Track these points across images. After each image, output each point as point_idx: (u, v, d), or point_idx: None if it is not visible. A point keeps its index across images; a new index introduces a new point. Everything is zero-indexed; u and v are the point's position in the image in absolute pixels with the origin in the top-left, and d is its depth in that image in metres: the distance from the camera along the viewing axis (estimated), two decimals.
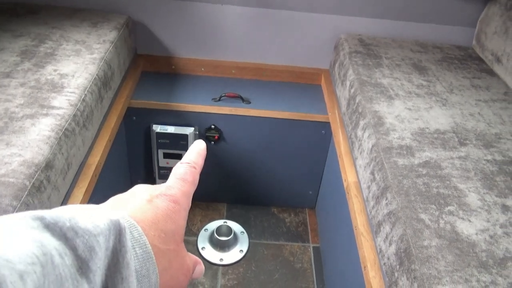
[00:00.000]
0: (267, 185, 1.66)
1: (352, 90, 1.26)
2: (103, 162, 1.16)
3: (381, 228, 0.92)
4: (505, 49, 1.35)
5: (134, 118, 1.47)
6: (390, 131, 1.07)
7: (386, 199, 0.92)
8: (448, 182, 0.93)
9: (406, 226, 0.83)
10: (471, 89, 1.28)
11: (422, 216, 0.85)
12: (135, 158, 1.57)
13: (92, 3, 1.47)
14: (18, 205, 0.77)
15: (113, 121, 1.26)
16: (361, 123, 1.14)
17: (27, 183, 0.81)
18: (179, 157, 1.52)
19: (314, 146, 1.55)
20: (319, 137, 1.53)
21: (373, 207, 0.98)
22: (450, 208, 0.87)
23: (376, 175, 0.99)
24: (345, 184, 1.19)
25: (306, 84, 1.64)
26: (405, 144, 1.03)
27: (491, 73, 1.39)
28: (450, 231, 0.82)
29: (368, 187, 1.02)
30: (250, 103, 1.49)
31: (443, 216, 0.85)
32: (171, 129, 1.47)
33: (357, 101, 1.21)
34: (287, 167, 1.61)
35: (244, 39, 1.56)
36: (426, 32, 1.54)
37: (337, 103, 1.44)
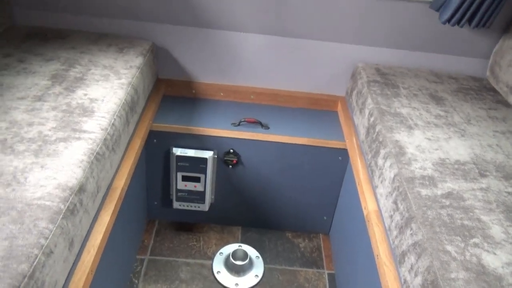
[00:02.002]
0: (282, 209, 1.67)
1: (372, 119, 1.29)
2: (127, 185, 1.18)
3: (406, 259, 0.92)
4: None
5: (155, 141, 1.50)
6: (412, 161, 1.09)
7: (411, 229, 0.93)
8: (471, 214, 0.94)
9: (433, 257, 0.84)
10: (488, 120, 1.31)
11: (448, 247, 0.86)
12: (153, 180, 1.59)
13: (117, 28, 1.52)
14: (54, 228, 0.78)
15: (137, 145, 1.28)
16: (382, 152, 1.16)
17: (62, 206, 0.83)
18: (197, 180, 1.54)
19: (330, 172, 1.57)
20: (335, 164, 1.55)
21: (396, 237, 0.99)
22: (475, 240, 0.88)
23: (399, 204, 1.00)
24: (365, 212, 1.20)
25: (322, 110, 1.67)
26: (427, 175, 1.05)
27: (507, 104, 1.41)
28: (476, 263, 0.83)
29: (391, 216, 1.04)
30: (268, 128, 1.52)
31: (469, 248, 0.86)
32: (190, 153, 1.49)
33: (377, 130, 1.23)
34: (302, 192, 1.62)
35: (262, 66, 1.61)
36: (440, 63, 1.58)
37: (355, 130, 1.46)
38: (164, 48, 1.57)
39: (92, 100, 1.13)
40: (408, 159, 1.09)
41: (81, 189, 0.89)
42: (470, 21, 1.38)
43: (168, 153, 1.52)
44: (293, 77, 1.63)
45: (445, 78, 1.53)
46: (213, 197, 1.63)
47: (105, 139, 1.03)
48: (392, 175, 1.07)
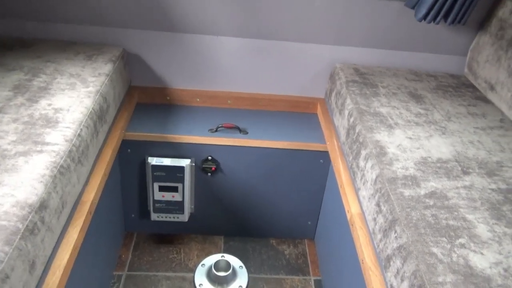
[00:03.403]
0: (265, 216, 1.63)
1: (352, 120, 1.26)
2: (98, 198, 1.12)
3: (391, 263, 0.89)
4: (498, 77, 1.37)
5: (129, 150, 1.44)
6: (394, 161, 1.06)
7: (395, 232, 0.89)
8: (456, 213, 0.91)
9: (419, 261, 0.80)
10: (468, 117, 1.29)
11: (434, 250, 0.82)
12: (129, 192, 1.53)
13: (87, 36, 1.46)
14: (11, 251, 0.72)
15: (108, 155, 1.22)
16: (363, 153, 1.13)
17: (20, 225, 0.76)
18: (175, 189, 1.48)
19: (312, 175, 1.53)
20: (317, 167, 1.51)
21: (380, 240, 0.95)
22: (461, 240, 0.85)
23: (382, 206, 0.97)
24: (348, 216, 1.16)
25: (302, 113, 1.64)
26: (409, 174, 1.01)
27: (485, 100, 1.40)
28: (464, 265, 0.80)
29: (374, 219, 1.00)
30: (247, 133, 1.48)
31: (455, 249, 0.83)
32: (167, 161, 1.43)
33: (357, 130, 1.20)
34: (285, 197, 1.58)
35: (239, 70, 1.56)
36: (419, 61, 1.57)
37: (335, 132, 1.43)
38: (136, 54, 1.52)
39: (56, 110, 1.07)
40: (390, 159, 1.06)
41: (42, 205, 0.82)
42: (445, 17, 1.37)
43: (143, 163, 1.46)
44: (271, 80, 1.60)
45: (424, 76, 1.52)
46: (192, 206, 1.57)
47: (70, 151, 0.96)
48: (374, 176, 1.04)
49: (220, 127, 1.46)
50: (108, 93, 1.25)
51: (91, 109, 1.11)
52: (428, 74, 1.53)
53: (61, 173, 0.91)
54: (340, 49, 1.53)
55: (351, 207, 1.15)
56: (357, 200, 1.15)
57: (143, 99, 1.58)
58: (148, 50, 1.51)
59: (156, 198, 1.49)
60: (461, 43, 1.53)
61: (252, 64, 1.56)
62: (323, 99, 1.63)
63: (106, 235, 1.36)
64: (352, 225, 1.12)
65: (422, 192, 0.97)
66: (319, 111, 1.62)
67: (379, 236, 0.96)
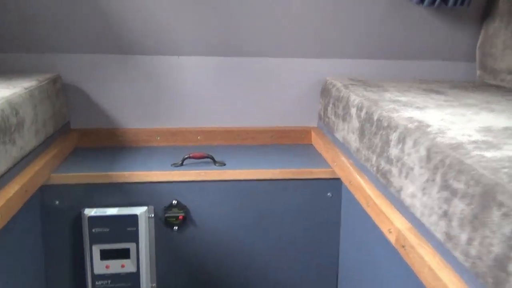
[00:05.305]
0: (258, 283, 1.13)
1: (363, 112, 0.92)
2: None
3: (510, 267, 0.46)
4: None
5: (57, 202, 1.01)
6: (446, 130, 0.70)
7: (500, 206, 0.49)
8: None
9: None
10: (511, 103, 0.98)
11: None
12: (55, 263, 1.04)
13: (15, 63, 1.16)
14: None
15: (13, 208, 0.80)
16: (394, 136, 0.77)
17: None
18: (125, 254, 1.01)
19: (319, 213, 1.11)
20: (324, 200, 1.10)
21: (469, 243, 0.54)
22: None
23: (455, 183, 0.57)
24: (392, 237, 0.74)
25: (292, 144, 1.29)
26: (478, 139, 0.65)
27: None
28: None
29: (445, 214, 0.59)
30: (224, 165, 1.10)
31: None
32: (111, 211, 1.00)
33: (376, 117, 0.86)
34: (285, 253, 1.12)
35: (209, 98, 1.26)
36: (422, 70, 1.32)
37: (340, 150, 1.08)
38: (74, 86, 1.20)
39: None
40: (438, 129, 0.70)
41: None
42: (445, 0, 1.17)
43: (78, 218, 1.02)
44: (251, 109, 1.28)
45: (433, 82, 1.25)
46: (154, 284, 1.07)
47: None
48: (424, 152, 0.66)
49: (187, 157, 1.09)
50: (23, 107, 0.89)
51: None
52: (438, 81, 1.27)
53: None
54: (329, 62, 1.28)
55: (394, 222, 0.73)
56: (400, 210, 0.75)
57: (85, 143, 1.22)
58: (90, 78, 1.20)
59: (97, 271, 1.01)
60: (465, 46, 1.31)
61: (224, 90, 1.26)
62: (316, 128, 1.31)
63: None
64: (403, 246, 0.70)
65: (511, 153, 0.59)
66: (314, 141, 1.28)
67: (464, 236, 0.55)
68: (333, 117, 1.14)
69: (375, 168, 0.85)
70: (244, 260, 1.10)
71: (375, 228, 0.82)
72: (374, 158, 0.85)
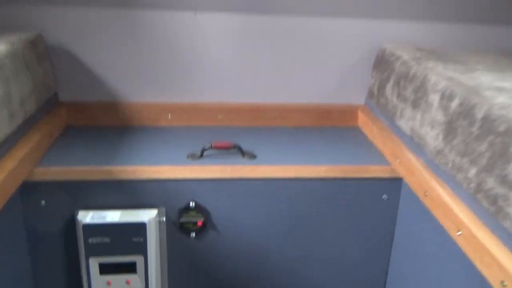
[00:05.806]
0: None
1: (455, 104, 0.67)
2: None
3: None
4: None
5: (43, 202, 0.79)
6: None
7: None
8: None
9: None
10: None
11: None
12: (45, 278, 0.84)
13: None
14: None
15: None
16: None
17: None
18: (130, 269, 0.81)
19: (369, 222, 0.90)
20: (376, 205, 0.89)
21: None
22: None
23: None
24: (458, 239, 0.54)
25: (332, 127, 1.05)
26: None
27: None
28: None
29: None
30: (255, 157, 0.86)
31: None
32: (113, 217, 0.79)
33: (480, 116, 0.61)
34: (326, 267, 0.93)
35: (232, 68, 1.00)
36: (505, 37, 1.05)
37: (404, 143, 0.84)
38: (62, 48, 0.94)
39: None
40: None
41: None
42: None
43: (71, 223, 0.81)
44: (282, 83, 1.03)
45: None
46: None
47: None
48: None
49: (208, 148, 0.85)
50: None
51: None
52: None
53: None
54: (385, 24, 1.00)
55: (463, 219, 0.53)
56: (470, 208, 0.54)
57: (77, 120, 0.98)
58: (82, 38, 0.94)
59: None
60: None
61: (251, 57, 1.00)
62: (364, 107, 1.06)
63: None
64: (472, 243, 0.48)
65: None
66: (362, 123, 1.04)
67: None
68: (394, 99, 0.89)
69: (472, 185, 0.62)
70: (275, 275, 0.90)
71: (439, 228, 0.61)
72: (473, 171, 0.62)
